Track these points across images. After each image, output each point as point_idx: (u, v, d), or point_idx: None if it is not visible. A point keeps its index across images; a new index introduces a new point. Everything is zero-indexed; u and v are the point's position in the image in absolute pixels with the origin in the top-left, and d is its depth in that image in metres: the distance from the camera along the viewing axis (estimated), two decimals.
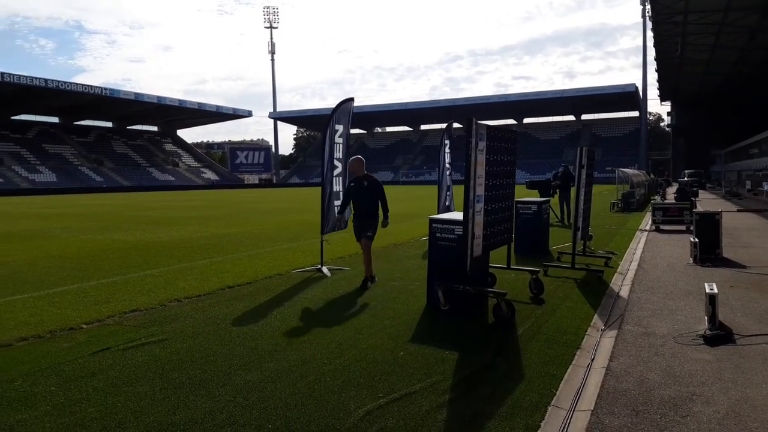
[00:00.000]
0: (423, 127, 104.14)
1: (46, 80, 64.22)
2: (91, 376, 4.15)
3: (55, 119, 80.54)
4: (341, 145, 9.09)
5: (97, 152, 78.61)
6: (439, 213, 11.26)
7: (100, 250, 11.21)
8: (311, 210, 23.84)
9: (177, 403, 3.64)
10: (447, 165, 12.34)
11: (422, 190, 51.55)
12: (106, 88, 71.20)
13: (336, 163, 8.95)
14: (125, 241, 12.96)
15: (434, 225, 6.34)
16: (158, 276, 8.24)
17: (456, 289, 5.90)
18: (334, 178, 8.91)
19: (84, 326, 5.53)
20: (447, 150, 12.16)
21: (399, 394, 3.77)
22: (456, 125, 12.71)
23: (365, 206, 7.50)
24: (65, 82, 66.76)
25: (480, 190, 5.81)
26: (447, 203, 12.25)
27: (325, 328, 5.41)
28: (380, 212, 7.61)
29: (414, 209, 23.88)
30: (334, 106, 9.00)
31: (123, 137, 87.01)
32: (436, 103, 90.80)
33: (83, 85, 69.06)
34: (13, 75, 61.47)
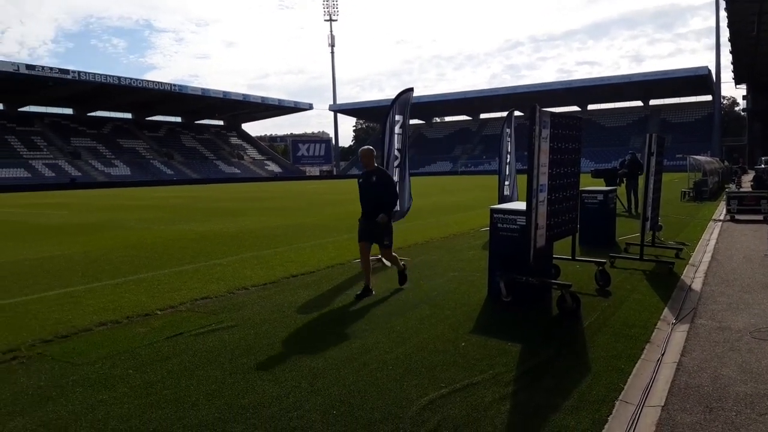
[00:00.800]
0: (482, 116, 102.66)
1: (119, 78, 67.42)
2: (166, 360, 4.37)
3: (128, 115, 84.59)
4: (400, 136, 9.10)
5: (167, 146, 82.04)
6: (500, 203, 11.12)
7: (171, 240, 11.73)
8: None
9: (246, 387, 3.79)
10: (508, 154, 12.14)
11: (482, 180, 50.90)
12: (174, 85, 74.07)
13: (396, 153, 8.98)
14: (195, 231, 13.51)
15: (496, 215, 6.26)
16: (226, 265, 8.55)
17: (518, 281, 5.82)
18: (393, 169, 8.95)
19: (158, 312, 5.83)
20: (508, 139, 11.95)
21: (461, 385, 3.77)
22: (517, 113, 12.43)
23: (373, 205, 6.40)
24: (137, 80, 69.92)
25: (543, 179, 5.69)
26: (508, 193, 12.06)
27: (386, 317, 5.47)
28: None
29: (473, 199, 23.64)
30: (392, 97, 9.01)
31: (191, 131, 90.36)
32: (496, 91, 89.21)
33: (153, 81, 72.11)
34: (89, 73, 64.89)
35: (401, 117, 9.08)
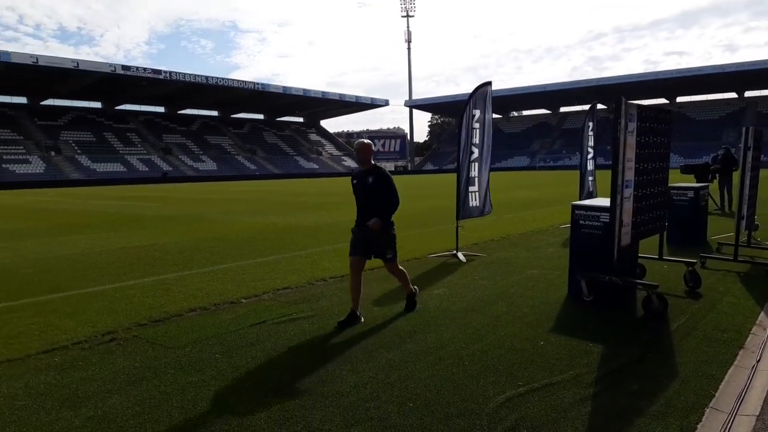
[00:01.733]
0: (562, 109, 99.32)
1: (206, 77, 70.64)
2: (250, 346, 4.57)
3: (214, 113, 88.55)
4: (478, 131, 9.00)
5: (250, 142, 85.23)
6: (581, 199, 10.75)
7: (254, 232, 12.21)
8: (445, 196, 23.88)
9: (325, 376, 3.90)
10: (590, 149, 11.72)
11: (561, 175, 49.35)
12: (258, 83, 76.67)
13: (473, 149, 8.89)
14: (276, 224, 13.98)
15: (577, 212, 6.07)
16: (306, 257, 8.80)
17: (601, 280, 5.62)
18: (470, 164, 8.87)
19: (243, 300, 6.10)
20: (590, 133, 11.54)
21: (540, 384, 3.70)
22: (600, 106, 11.96)
23: (368, 211, 5.28)
24: (223, 79, 72.93)
25: (629, 175, 5.45)
26: (590, 189, 11.65)
27: (462, 313, 5.45)
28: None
29: (553, 195, 22.97)
30: (468, 92, 8.91)
31: (273, 128, 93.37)
32: (577, 84, 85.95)
33: (238, 81, 75.00)
34: (179, 73, 68.40)
35: (479, 111, 8.97)
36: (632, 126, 5.40)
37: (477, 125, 8.97)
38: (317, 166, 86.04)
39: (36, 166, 58.66)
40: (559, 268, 7.37)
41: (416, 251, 9.17)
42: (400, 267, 5.51)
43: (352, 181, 5.46)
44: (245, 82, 75.30)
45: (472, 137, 8.85)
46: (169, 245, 10.48)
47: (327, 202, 21.84)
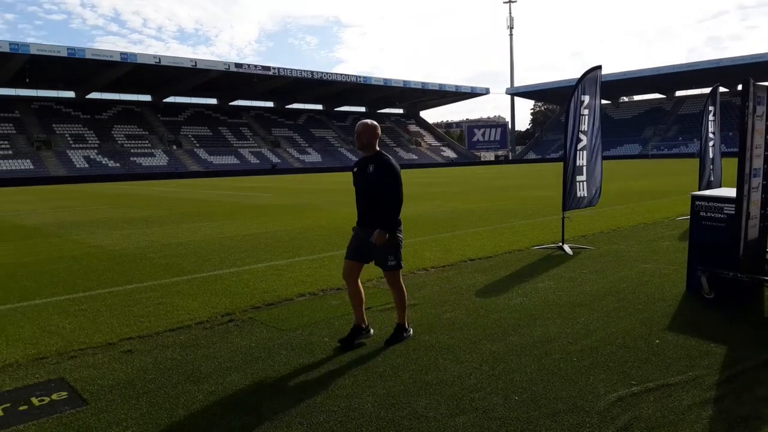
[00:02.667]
0: (678, 93, 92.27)
1: (312, 72, 73.03)
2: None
3: (319, 106, 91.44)
4: (587, 117, 8.62)
5: (352, 135, 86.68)
6: (701, 189, 10.00)
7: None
8: (549, 186, 23.12)
9: (428, 364, 3.95)
10: (711, 135, 10.85)
11: (677, 164, 45.99)
12: (359, 76, 78.10)
13: (581, 136, 8.53)
14: None
15: (698, 203, 5.66)
16: (407, 246, 8.81)
17: (723, 276, 5.21)
18: (578, 152, 8.52)
19: None
20: (711, 118, 10.68)
21: (655, 384, 3.51)
22: (722, 89, 11.00)
23: (366, 206, 4.49)
24: (327, 73, 75.05)
25: (758, 163, 5.01)
26: (711, 178, 10.80)
27: (569, 307, 5.28)
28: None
29: (668, 185, 21.50)
30: (572, 78, 8.60)
31: (374, 120, 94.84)
32: (695, 66, 79.30)
33: (342, 74, 76.83)
34: (287, 69, 71.19)
35: (588, 97, 8.59)
36: (761, 110, 4.95)
37: (586, 112, 8.59)
38: (416, 157, 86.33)
39: (160, 159, 63.72)
40: (676, 263, 6.92)
41: (520, 242, 8.98)
42: (403, 283, 4.49)
43: (352, 170, 4.62)
44: (348, 75, 76.96)
45: (580, 124, 8.49)
46: (280, 233, 11.02)
47: (427, 192, 21.90)
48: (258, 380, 3.80)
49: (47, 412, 3.41)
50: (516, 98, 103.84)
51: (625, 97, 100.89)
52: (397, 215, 4.35)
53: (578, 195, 8.67)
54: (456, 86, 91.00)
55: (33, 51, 53.43)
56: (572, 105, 8.42)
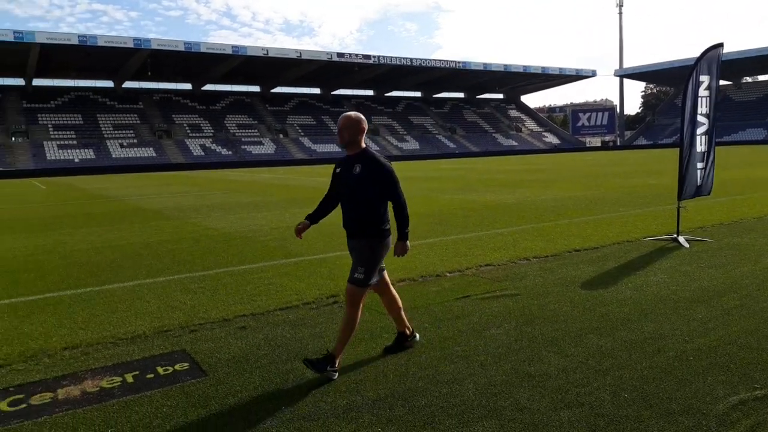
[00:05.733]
0: None
1: (411, 59, 73.09)
2: (456, 319, 4.73)
3: (417, 93, 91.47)
4: (707, 99, 7.98)
5: (450, 121, 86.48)
6: None
7: (455, 209, 12.47)
8: (662, 173, 21.70)
9: (531, 356, 3.88)
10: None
11: None
12: (458, 62, 77.12)
13: (701, 119, 7.92)
14: (477, 201, 14.09)
15: None
16: (507, 235, 8.75)
17: None
18: (697, 137, 7.92)
19: (447, 274, 6.31)
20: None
21: None
22: None
23: (349, 210, 3.89)
24: (426, 60, 74.82)
25: None
26: None
27: (684, 303, 4.96)
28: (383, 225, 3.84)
29: None
30: (689, 57, 7.95)
31: (472, 106, 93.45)
32: None
33: (440, 60, 76.27)
34: (387, 57, 71.77)
35: (707, 77, 7.94)
36: None
37: (705, 93, 7.96)
38: (516, 143, 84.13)
39: (268, 147, 66.84)
40: None
41: (630, 233, 8.53)
42: (360, 309, 3.78)
43: (334, 169, 3.99)
44: (446, 61, 76.22)
45: (699, 107, 7.88)
46: None
47: (527, 179, 21.31)
48: (361, 361, 3.92)
49: (171, 380, 3.73)
50: (625, 80, 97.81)
51: (748, 77, 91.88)
52: (408, 222, 3.82)
53: (696, 183, 8.07)
54: (559, 69, 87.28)
55: (154, 46, 57.77)
56: (690, 86, 7.82)
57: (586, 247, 7.60)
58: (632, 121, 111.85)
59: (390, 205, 3.82)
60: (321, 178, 28.98)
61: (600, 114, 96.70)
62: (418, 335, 4.23)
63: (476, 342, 4.18)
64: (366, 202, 3.76)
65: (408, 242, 3.91)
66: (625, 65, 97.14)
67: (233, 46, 62.20)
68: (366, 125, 3.84)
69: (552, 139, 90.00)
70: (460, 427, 2.97)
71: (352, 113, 3.85)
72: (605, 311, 4.81)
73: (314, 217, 4.13)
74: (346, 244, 4.00)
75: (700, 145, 7.98)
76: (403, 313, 4.11)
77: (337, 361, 3.69)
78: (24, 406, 3.42)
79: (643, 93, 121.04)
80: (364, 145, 3.85)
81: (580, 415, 3.03)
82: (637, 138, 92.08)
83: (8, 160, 53.68)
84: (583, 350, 3.94)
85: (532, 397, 3.25)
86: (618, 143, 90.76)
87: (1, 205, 18.87)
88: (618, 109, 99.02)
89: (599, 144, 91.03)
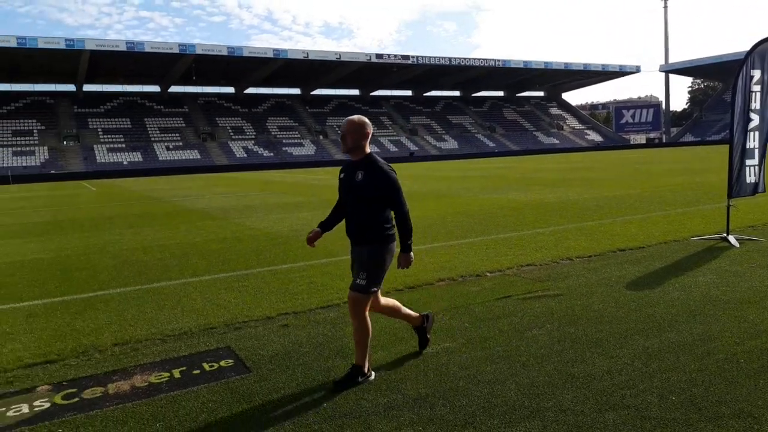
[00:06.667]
0: None
1: (449, 59, 72.75)
2: (497, 319, 4.70)
3: (456, 93, 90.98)
4: (758, 94, 7.68)
5: (490, 120, 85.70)
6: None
7: (495, 208, 12.35)
8: (710, 170, 20.99)
9: (574, 357, 3.81)
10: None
11: None
12: (498, 60, 76.33)
13: (752, 115, 7.63)
14: (517, 200, 13.92)
15: None
16: (549, 234, 8.62)
17: None
18: (748, 133, 7.63)
19: (488, 274, 6.26)
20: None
21: None
22: None
23: (352, 216, 3.74)
24: (464, 59, 74.31)
25: None
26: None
27: (734, 304, 4.79)
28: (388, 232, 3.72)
29: None
30: (736, 51, 7.63)
31: (512, 104, 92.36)
32: None
33: (479, 59, 75.62)
34: (425, 57, 71.63)
35: (758, 71, 7.64)
36: None
37: (757, 88, 7.65)
38: (557, 141, 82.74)
39: (308, 149, 67.67)
40: None
41: (677, 232, 8.29)
42: (367, 315, 3.66)
43: (339, 174, 3.88)
44: (486, 59, 75.54)
45: (750, 102, 7.59)
46: (418, 219, 11.20)
47: (570, 178, 20.91)
48: (401, 360, 3.94)
49: (216, 376, 3.82)
50: (671, 76, 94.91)
51: None
52: (411, 231, 3.70)
53: (747, 180, 7.78)
54: (602, 65, 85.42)
55: (198, 51, 59.29)
56: (740, 81, 7.54)
57: (631, 247, 7.42)
58: (678, 118, 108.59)
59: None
60: None
61: (645, 110, 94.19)
62: (368, 374, 3.67)
63: (518, 342, 4.14)
64: (368, 209, 3.62)
65: (411, 254, 3.75)
66: (671, 60, 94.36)
67: (274, 50, 63.23)
68: (370, 130, 3.69)
69: (594, 136, 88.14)
70: (503, 427, 2.95)
71: (356, 117, 3.67)
72: (651, 312, 4.69)
73: (327, 225, 4.00)
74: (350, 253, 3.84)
75: (752, 141, 7.69)
76: (404, 308, 4.02)
77: (366, 366, 3.64)
78: (76, 399, 3.56)
79: (690, 88, 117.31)
80: (368, 151, 3.70)
81: (626, 417, 2.97)
82: (684, 135, 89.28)
83: (61, 163, 55.95)
84: (628, 352, 3.85)
85: (576, 399, 3.20)
86: (664, 140, 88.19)
87: (55, 206, 19.69)
88: (663, 106, 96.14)
89: (644, 141, 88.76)
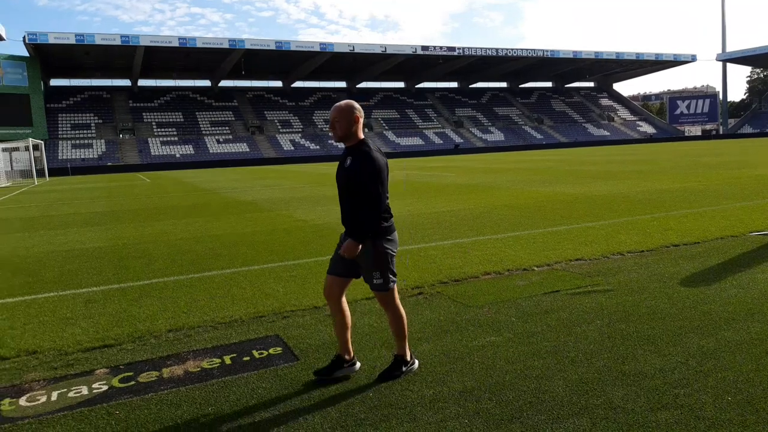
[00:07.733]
0: None
1: (496, 50, 71.63)
2: (545, 314, 4.63)
3: (503, 84, 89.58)
4: None
5: (537, 112, 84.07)
6: None
7: (544, 201, 12.14)
8: None
9: (625, 354, 3.72)
10: None
11: None
12: (547, 50, 74.64)
13: None
14: (566, 193, 13.64)
15: None
16: (599, 228, 8.41)
17: None
18: None
19: (535, 268, 6.17)
20: None
21: None
22: None
23: (344, 205, 3.57)
24: (512, 49, 72.97)
25: None
26: None
27: None
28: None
29: None
30: None
31: (561, 96, 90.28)
32: None
33: (527, 49, 74.08)
34: (472, 48, 70.74)
35: None
36: None
37: None
38: (608, 133, 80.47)
39: None
40: None
41: (734, 228, 7.95)
42: (399, 305, 3.61)
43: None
44: (534, 50, 74.00)
45: None
46: (464, 211, 11.14)
47: (621, 171, 20.32)
48: (446, 352, 3.93)
49: (265, 364, 3.91)
50: (728, 65, 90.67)
51: None
52: (375, 222, 3.37)
53: None
54: (656, 54, 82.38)
55: (247, 45, 60.31)
56: None
57: (685, 242, 7.17)
58: (736, 109, 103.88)
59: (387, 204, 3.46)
60: (403, 171, 29.12)
61: (700, 101, 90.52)
62: (358, 365, 3.68)
63: (566, 338, 4.07)
64: (357, 197, 3.40)
65: (357, 245, 3.36)
66: (728, 48, 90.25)
67: (321, 43, 63.72)
68: (361, 113, 3.45)
69: (647, 128, 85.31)
70: (550, 423, 2.91)
71: (343, 103, 3.45)
72: (707, 310, 4.53)
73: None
74: (340, 240, 3.60)
75: None
76: (348, 333, 3.64)
77: (408, 354, 3.62)
78: (133, 383, 3.71)
79: (749, 78, 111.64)
80: (361, 137, 3.48)
81: (679, 417, 2.89)
82: (742, 126, 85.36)
83: (117, 155, 58.15)
84: (682, 350, 3.73)
85: (626, 397, 3.13)
86: (720, 132, 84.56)
87: (112, 197, 20.49)
88: (720, 96, 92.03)
89: (700, 133, 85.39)
